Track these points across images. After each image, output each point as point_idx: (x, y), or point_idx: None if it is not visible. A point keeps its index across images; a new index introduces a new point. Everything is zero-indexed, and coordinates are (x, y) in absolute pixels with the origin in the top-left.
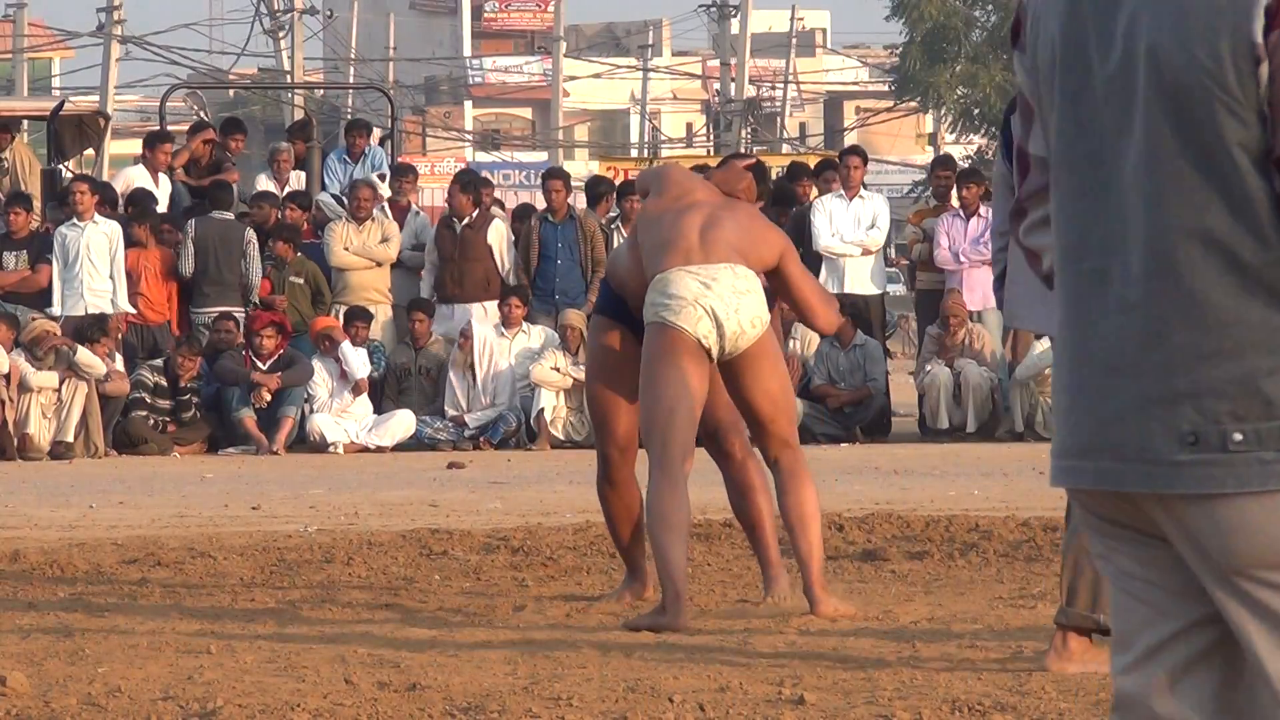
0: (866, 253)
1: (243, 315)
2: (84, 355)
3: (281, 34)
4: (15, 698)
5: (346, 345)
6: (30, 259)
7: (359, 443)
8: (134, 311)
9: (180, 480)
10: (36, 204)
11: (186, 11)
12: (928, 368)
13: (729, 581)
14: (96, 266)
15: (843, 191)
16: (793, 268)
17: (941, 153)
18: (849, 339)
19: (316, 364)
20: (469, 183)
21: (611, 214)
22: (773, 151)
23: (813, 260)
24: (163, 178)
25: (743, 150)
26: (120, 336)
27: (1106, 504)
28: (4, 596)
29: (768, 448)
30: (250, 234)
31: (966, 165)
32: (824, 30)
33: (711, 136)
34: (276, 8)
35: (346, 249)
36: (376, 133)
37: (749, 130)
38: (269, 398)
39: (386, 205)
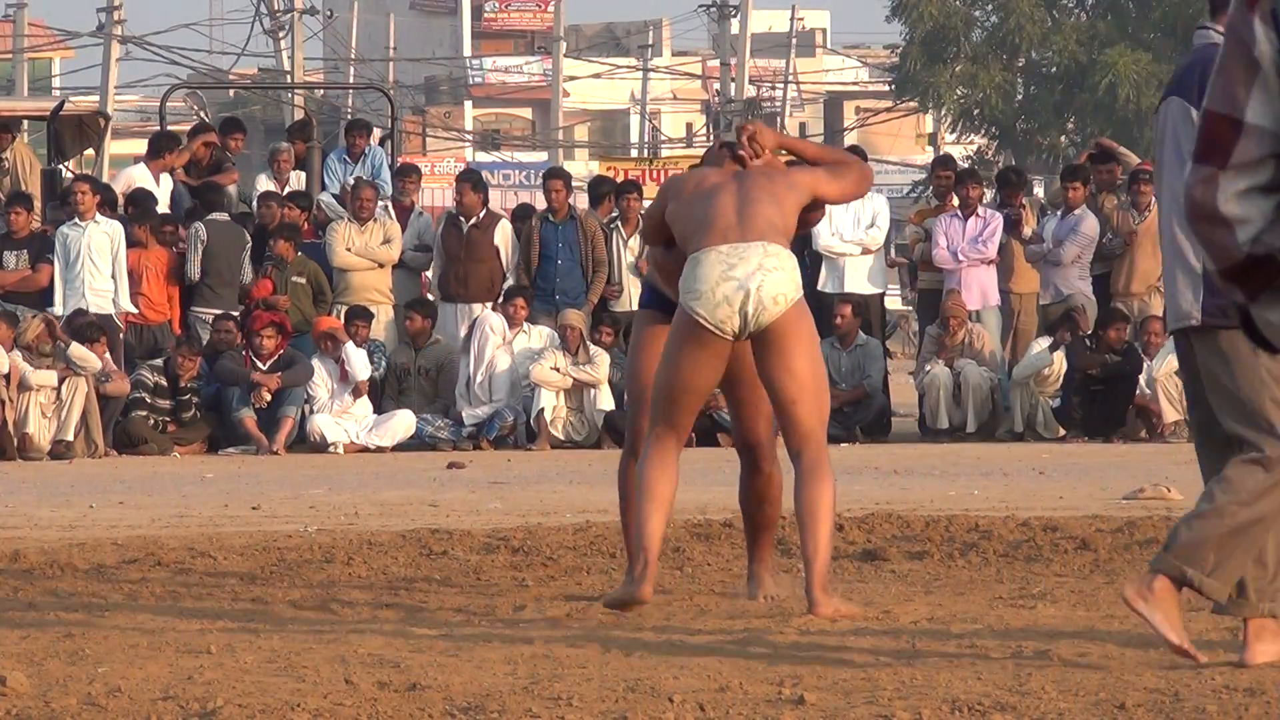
0: (866, 252)
1: (240, 315)
2: (77, 349)
3: (281, 34)
4: (15, 698)
5: (350, 346)
6: (31, 259)
7: (359, 443)
8: (135, 311)
9: (180, 480)
10: (37, 204)
11: (186, 11)
12: (928, 368)
13: (729, 581)
14: (98, 266)
15: None
16: (812, 181)
17: (942, 153)
18: (850, 339)
19: (316, 364)
20: (479, 182)
21: (612, 214)
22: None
23: (813, 260)
24: (164, 178)
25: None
26: (120, 337)
27: None
28: (4, 596)
29: (790, 438)
30: (246, 236)
31: (966, 165)
32: (824, 30)
33: (711, 136)
34: (276, 8)
35: (348, 249)
36: (376, 133)
37: None
38: (269, 398)
39: (389, 205)
